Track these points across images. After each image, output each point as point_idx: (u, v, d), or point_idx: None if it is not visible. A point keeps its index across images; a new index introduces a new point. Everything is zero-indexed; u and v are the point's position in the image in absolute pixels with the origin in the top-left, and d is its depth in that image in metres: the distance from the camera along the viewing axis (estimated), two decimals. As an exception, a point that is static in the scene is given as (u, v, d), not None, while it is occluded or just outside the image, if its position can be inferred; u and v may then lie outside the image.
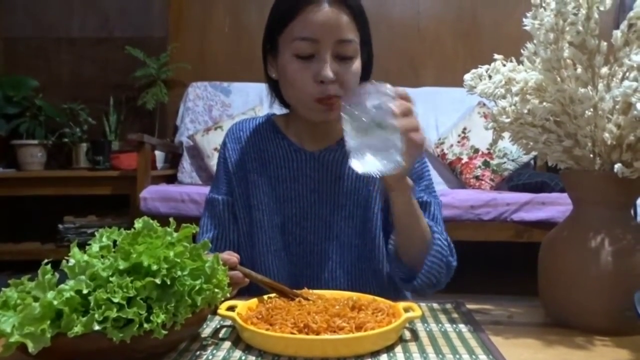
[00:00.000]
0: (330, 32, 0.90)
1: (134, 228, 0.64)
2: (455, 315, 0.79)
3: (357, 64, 0.94)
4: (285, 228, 1.02)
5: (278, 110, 1.09)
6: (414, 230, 0.90)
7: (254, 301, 0.76)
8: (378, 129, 0.75)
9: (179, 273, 0.60)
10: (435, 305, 0.83)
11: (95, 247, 0.63)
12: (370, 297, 0.77)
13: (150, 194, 2.45)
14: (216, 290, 0.65)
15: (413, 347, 0.66)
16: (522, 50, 0.79)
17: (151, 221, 0.65)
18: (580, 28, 0.68)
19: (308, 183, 1.02)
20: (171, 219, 0.67)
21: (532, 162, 2.87)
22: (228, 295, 0.67)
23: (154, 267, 0.58)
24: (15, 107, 3.06)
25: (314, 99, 0.93)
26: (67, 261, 0.60)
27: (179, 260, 0.61)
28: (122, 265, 0.58)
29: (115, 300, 0.55)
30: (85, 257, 0.60)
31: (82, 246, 0.63)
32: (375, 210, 1.01)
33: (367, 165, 0.76)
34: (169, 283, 0.59)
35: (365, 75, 1.02)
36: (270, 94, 1.06)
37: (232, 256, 0.79)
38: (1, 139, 3.05)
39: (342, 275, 1.00)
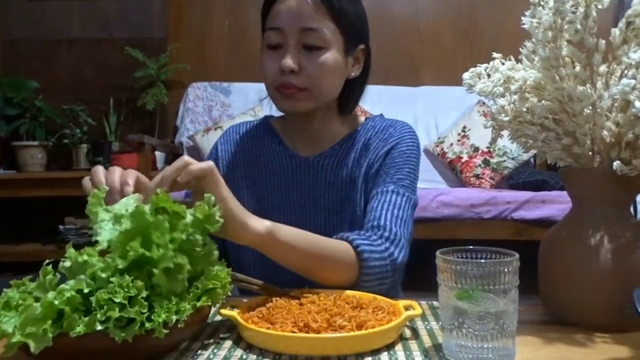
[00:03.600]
0: (293, 20, 0.91)
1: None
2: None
3: (327, 56, 0.92)
4: None
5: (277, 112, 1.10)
6: (303, 263, 0.82)
7: (254, 300, 0.76)
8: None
9: (180, 260, 0.60)
10: (435, 303, 0.83)
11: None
12: (370, 295, 0.77)
13: (151, 194, 2.45)
14: (217, 289, 0.65)
15: (413, 345, 0.66)
16: (520, 49, 0.79)
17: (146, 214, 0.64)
18: (579, 26, 0.69)
19: (303, 190, 1.01)
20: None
21: (532, 160, 2.87)
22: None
23: (158, 253, 0.58)
24: (15, 108, 3.06)
25: (274, 87, 0.94)
26: (64, 262, 0.60)
27: (184, 237, 0.60)
28: (121, 264, 0.58)
29: (117, 300, 0.55)
30: (85, 257, 0.60)
31: (82, 247, 0.62)
32: (359, 213, 0.99)
33: None
34: (172, 267, 0.58)
35: (364, 74, 1.01)
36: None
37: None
38: (1, 141, 3.05)
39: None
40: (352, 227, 0.96)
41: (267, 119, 1.10)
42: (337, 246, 0.85)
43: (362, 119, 1.08)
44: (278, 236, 0.77)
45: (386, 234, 0.89)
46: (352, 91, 1.01)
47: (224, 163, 1.05)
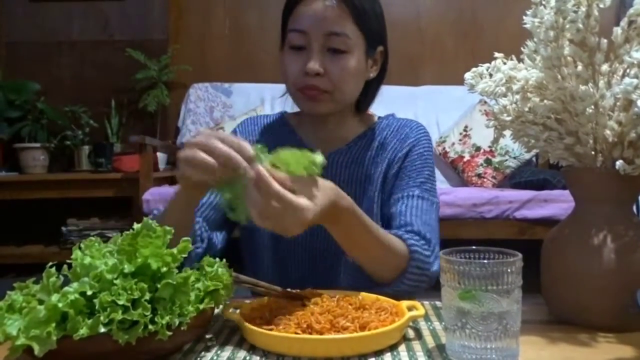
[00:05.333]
0: (319, 24, 0.91)
1: (133, 229, 0.63)
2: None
3: (351, 60, 0.93)
4: None
5: (289, 108, 1.10)
6: (368, 250, 0.84)
7: (257, 302, 0.76)
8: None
9: (185, 273, 0.60)
10: (438, 304, 0.83)
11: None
12: (373, 296, 0.77)
13: (153, 195, 2.45)
14: (220, 290, 0.65)
15: (417, 345, 0.66)
16: (522, 49, 0.79)
17: (150, 221, 0.65)
18: (580, 26, 0.68)
19: None
20: (166, 227, 0.64)
21: (534, 159, 2.87)
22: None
23: (164, 269, 0.59)
24: (17, 110, 3.07)
25: (297, 88, 0.95)
26: (69, 267, 0.60)
27: (185, 256, 0.61)
28: (127, 268, 0.58)
29: (120, 302, 0.55)
30: (88, 259, 0.60)
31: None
32: (375, 210, 1.00)
33: None
34: (175, 283, 0.59)
35: (381, 75, 1.03)
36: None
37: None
38: (4, 143, 3.06)
39: (348, 278, 0.98)
40: None
41: (282, 114, 1.11)
42: (396, 240, 0.87)
43: (375, 117, 1.10)
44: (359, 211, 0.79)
45: (424, 243, 0.90)
46: (368, 91, 1.03)
47: None
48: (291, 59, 0.94)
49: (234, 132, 1.09)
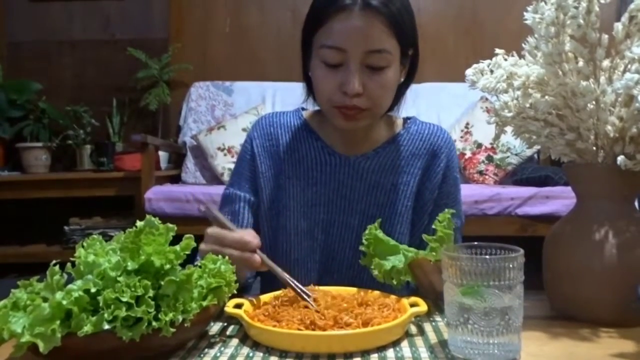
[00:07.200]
0: (358, 42, 0.85)
1: (136, 226, 0.63)
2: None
3: (390, 74, 0.88)
4: (312, 233, 0.98)
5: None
6: None
7: (260, 298, 0.76)
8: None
9: (188, 269, 0.61)
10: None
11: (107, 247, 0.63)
12: (376, 292, 0.77)
13: (155, 194, 2.45)
14: (223, 287, 0.66)
15: (419, 341, 0.66)
16: (523, 45, 0.79)
17: (152, 218, 0.65)
18: (581, 21, 0.68)
19: (339, 189, 0.99)
20: (168, 224, 0.65)
21: (535, 156, 2.86)
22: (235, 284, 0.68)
23: (167, 267, 0.59)
24: (19, 110, 3.08)
25: (333, 106, 0.90)
26: (73, 265, 0.61)
27: (188, 253, 0.61)
28: (130, 265, 0.59)
29: (124, 299, 0.55)
30: (91, 257, 0.60)
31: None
32: (403, 230, 0.99)
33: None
34: (178, 280, 0.59)
35: (409, 78, 0.98)
36: (306, 92, 1.01)
37: (254, 238, 0.78)
38: (6, 142, 3.06)
39: (362, 285, 0.97)
40: (387, 234, 0.90)
41: (300, 114, 1.06)
42: None
43: (399, 121, 1.06)
44: None
45: None
46: (397, 94, 0.98)
47: (260, 159, 1.02)
48: (326, 75, 0.89)
49: (249, 141, 1.04)
